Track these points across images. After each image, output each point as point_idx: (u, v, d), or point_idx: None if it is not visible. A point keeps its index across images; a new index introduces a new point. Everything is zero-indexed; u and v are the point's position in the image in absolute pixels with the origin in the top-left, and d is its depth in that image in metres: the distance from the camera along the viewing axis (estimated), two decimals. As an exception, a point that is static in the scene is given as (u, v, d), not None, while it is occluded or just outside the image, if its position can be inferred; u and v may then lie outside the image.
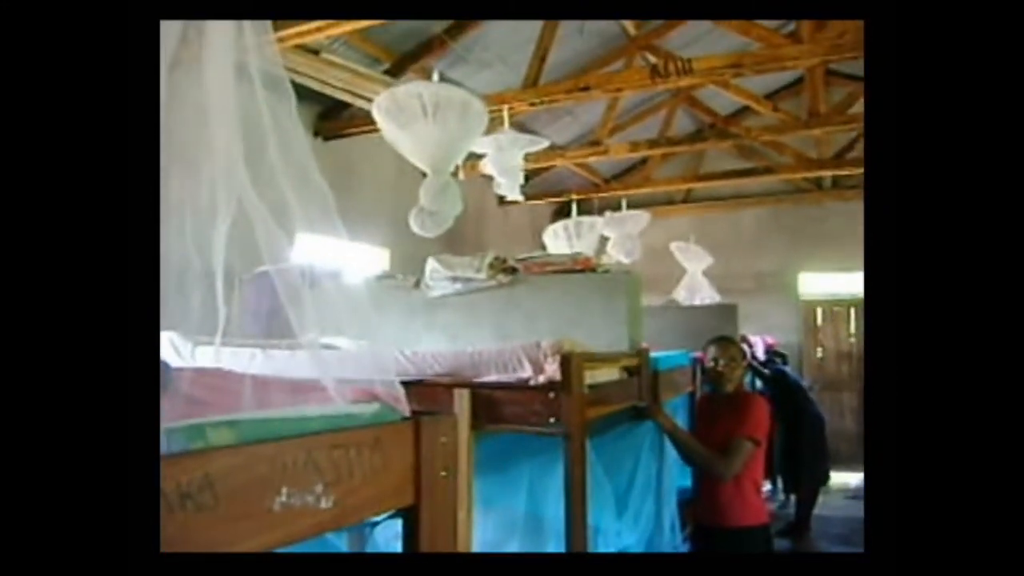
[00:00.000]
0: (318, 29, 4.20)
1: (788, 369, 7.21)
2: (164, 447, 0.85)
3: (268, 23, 1.37)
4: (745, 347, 6.41)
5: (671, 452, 3.51)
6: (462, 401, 2.24)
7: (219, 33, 1.30)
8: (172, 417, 0.91)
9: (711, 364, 3.43)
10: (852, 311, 9.91)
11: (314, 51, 4.91)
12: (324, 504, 1.07)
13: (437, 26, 5.88)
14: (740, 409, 3.22)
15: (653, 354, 3.56)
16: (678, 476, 3.88)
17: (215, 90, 1.28)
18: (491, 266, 3.74)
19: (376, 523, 1.51)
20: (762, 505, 3.25)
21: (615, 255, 7.79)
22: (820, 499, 6.51)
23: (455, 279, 3.81)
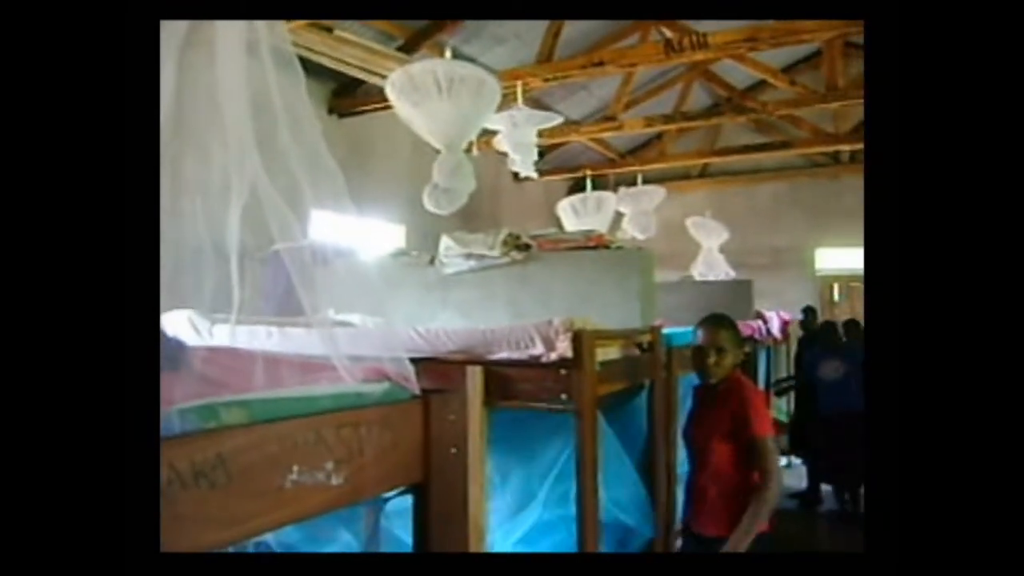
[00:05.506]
0: (331, 6, 4.18)
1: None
2: (177, 427, 0.87)
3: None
4: (760, 323, 6.40)
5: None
6: (474, 378, 2.24)
7: (230, 14, 1.30)
8: (186, 397, 0.93)
9: (697, 351, 2.99)
10: (869, 286, 9.84)
11: (327, 28, 4.89)
12: (334, 481, 1.09)
13: (451, 2, 5.85)
14: (743, 404, 2.81)
15: (667, 330, 3.56)
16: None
17: (227, 70, 1.28)
18: (505, 243, 3.74)
19: (387, 500, 1.54)
20: None
21: (631, 231, 7.76)
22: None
23: (469, 256, 3.80)
